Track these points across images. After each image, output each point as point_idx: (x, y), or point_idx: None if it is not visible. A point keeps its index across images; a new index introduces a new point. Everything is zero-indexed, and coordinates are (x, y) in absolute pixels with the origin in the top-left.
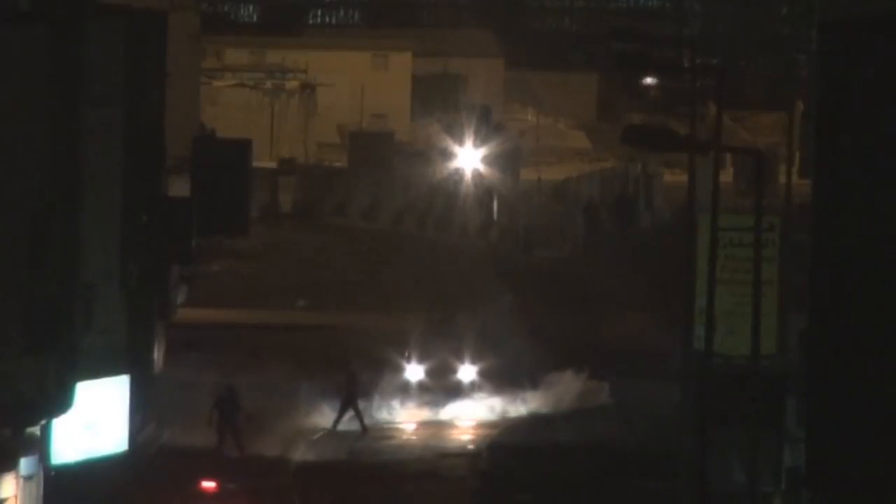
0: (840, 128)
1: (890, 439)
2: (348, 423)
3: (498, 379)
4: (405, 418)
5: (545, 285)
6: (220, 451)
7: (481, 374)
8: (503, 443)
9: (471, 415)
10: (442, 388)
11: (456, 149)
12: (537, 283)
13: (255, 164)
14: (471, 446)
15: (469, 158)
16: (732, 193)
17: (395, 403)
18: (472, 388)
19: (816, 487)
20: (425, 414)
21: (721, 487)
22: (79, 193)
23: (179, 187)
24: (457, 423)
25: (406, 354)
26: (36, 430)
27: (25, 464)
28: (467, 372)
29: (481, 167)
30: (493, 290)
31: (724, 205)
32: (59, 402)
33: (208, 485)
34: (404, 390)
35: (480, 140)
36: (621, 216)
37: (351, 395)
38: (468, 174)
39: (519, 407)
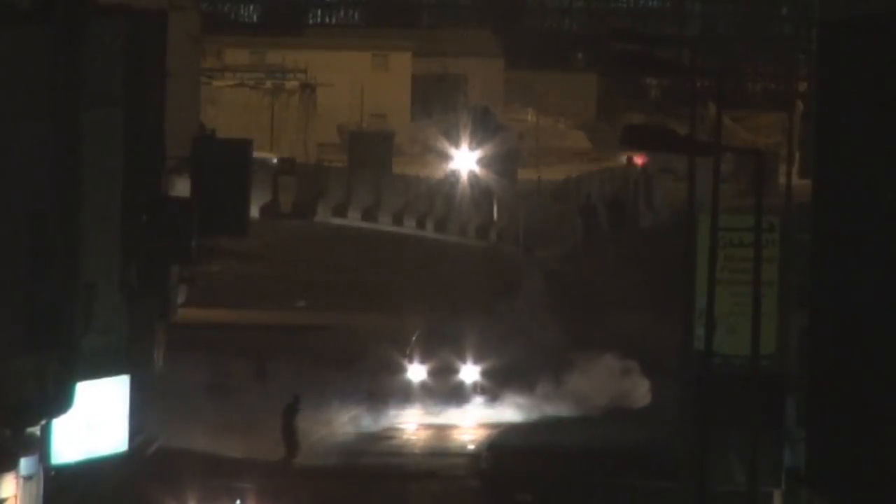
0: (840, 128)
1: (890, 439)
2: (348, 425)
3: (519, 380)
4: (416, 422)
5: (547, 285)
6: (287, 458)
7: (501, 375)
8: (504, 444)
9: (509, 420)
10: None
11: (453, 151)
12: (538, 282)
13: (256, 154)
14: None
15: (467, 160)
16: (732, 193)
17: (406, 406)
18: (494, 390)
19: (816, 487)
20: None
21: (721, 487)
22: (79, 193)
23: (179, 187)
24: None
25: (407, 353)
26: (36, 430)
27: (25, 464)
28: (483, 373)
29: (479, 169)
30: (495, 290)
31: (724, 205)
32: (59, 402)
33: (222, 483)
34: (411, 392)
35: (477, 142)
36: (618, 216)
37: (291, 419)
38: (468, 175)
39: (558, 408)
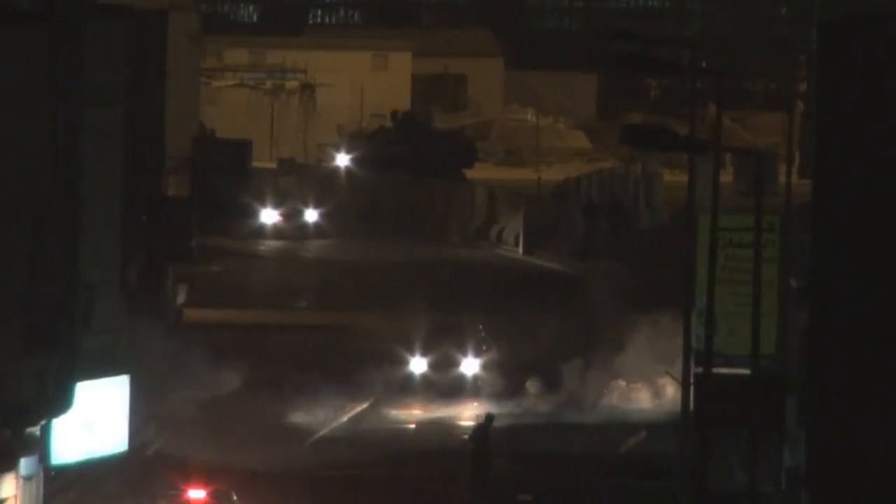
0: (840, 128)
1: (890, 439)
2: (345, 427)
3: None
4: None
5: (548, 285)
6: (474, 477)
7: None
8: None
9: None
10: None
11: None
12: (539, 282)
13: (255, 164)
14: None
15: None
16: (732, 193)
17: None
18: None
19: (816, 487)
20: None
21: (721, 487)
22: (79, 193)
23: (179, 187)
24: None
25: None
26: (36, 430)
27: (25, 464)
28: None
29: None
30: (496, 290)
31: (724, 205)
32: (59, 402)
33: (196, 494)
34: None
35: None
36: (617, 217)
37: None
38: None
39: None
